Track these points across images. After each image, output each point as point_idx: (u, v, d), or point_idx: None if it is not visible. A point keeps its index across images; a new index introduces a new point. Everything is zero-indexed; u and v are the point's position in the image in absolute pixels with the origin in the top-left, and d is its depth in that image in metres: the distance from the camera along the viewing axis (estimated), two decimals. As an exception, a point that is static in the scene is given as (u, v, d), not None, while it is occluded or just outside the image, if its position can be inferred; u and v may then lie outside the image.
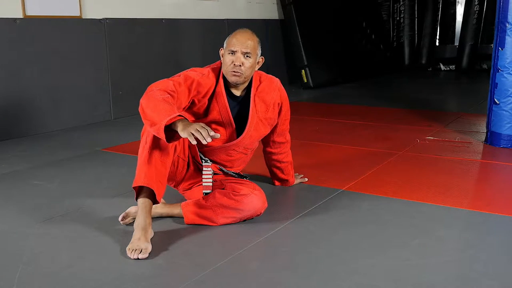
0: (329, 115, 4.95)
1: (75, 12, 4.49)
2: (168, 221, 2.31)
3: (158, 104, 1.97)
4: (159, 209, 2.33)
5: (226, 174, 2.45)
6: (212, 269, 1.86)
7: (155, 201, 2.11)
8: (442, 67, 9.00)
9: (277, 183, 2.81)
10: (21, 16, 4.09)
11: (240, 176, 2.45)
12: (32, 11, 4.16)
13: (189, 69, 2.27)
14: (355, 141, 3.86)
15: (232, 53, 2.23)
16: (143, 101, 2.02)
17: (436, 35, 9.19)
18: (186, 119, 1.96)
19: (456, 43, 9.00)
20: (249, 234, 2.17)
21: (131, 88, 4.95)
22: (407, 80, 7.98)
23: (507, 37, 3.49)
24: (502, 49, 3.52)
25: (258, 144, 2.54)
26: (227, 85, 2.30)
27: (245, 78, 2.26)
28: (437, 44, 9.23)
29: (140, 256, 1.94)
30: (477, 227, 2.28)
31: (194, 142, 1.84)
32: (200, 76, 2.24)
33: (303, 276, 1.82)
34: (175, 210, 2.32)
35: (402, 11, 8.96)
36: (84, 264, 1.91)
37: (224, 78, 2.29)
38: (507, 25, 3.47)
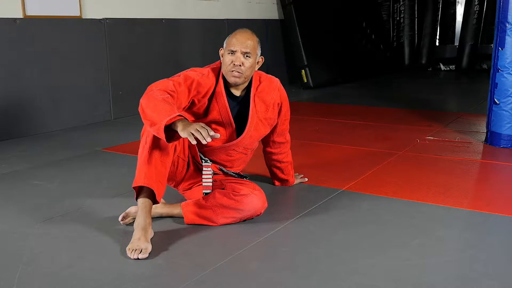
0: (329, 115, 4.95)
1: (75, 12, 4.49)
2: (168, 221, 2.31)
3: (158, 104, 1.97)
4: (159, 209, 2.33)
5: (226, 174, 2.45)
6: (212, 269, 1.86)
7: (155, 201, 2.11)
8: (442, 67, 9.00)
9: (277, 183, 2.81)
10: (21, 16, 4.09)
11: (240, 176, 2.45)
12: (32, 11, 4.16)
13: (189, 69, 2.27)
14: (355, 141, 3.86)
15: (232, 53, 2.23)
16: (143, 101, 2.02)
17: (436, 35, 9.19)
18: (186, 119, 1.96)
19: (456, 43, 9.00)
20: (249, 234, 2.17)
21: (131, 88, 4.95)
22: (407, 80, 7.98)
23: (507, 37, 3.49)
24: (502, 49, 3.52)
25: (258, 144, 2.54)
26: (227, 85, 2.30)
27: (245, 78, 2.26)
28: (437, 44, 9.23)
29: (140, 256, 1.94)
30: (477, 227, 2.28)
31: (194, 142, 1.84)
32: (200, 76, 2.24)
33: (303, 276, 1.82)
34: (175, 210, 2.32)
35: (402, 11, 8.96)
36: (84, 264, 1.91)
37: (224, 78, 2.29)
38: (507, 25, 3.47)
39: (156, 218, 2.31)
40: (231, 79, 2.25)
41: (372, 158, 3.36)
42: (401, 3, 8.93)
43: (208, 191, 2.30)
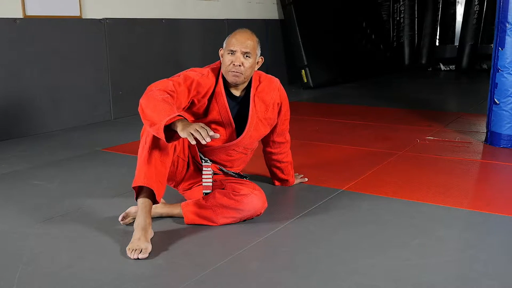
0: (329, 115, 4.95)
1: (75, 12, 4.49)
2: (168, 221, 2.31)
3: (157, 104, 1.97)
4: (159, 209, 2.33)
5: (226, 174, 2.45)
6: (212, 269, 1.86)
7: (155, 201, 2.11)
8: (442, 67, 9.00)
9: (277, 183, 2.81)
10: (21, 16, 4.09)
11: (240, 176, 2.45)
12: (32, 11, 4.16)
13: (189, 69, 2.27)
14: (355, 141, 3.86)
15: (231, 53, 2.23)
16: (142, 101, 2.02)
17: (436, 35, 9.19)
18: (186, 119, 1.96)
19: (456, 43, 9.00)
20: (249, 234, 2.17)
21: (131, 88, 4.95)
22: (407, 80, 7.98)
23: (507, 37, 3.49)
24: (502, 49, 3.52)
25: (258, 144, 2.54)
26: (227, 85, 2.30)
27: (244, 78, 2.26)
28: (437, 44, 9.23)
29: (140, 256, 1.94)
30: (477, 227, 2.28)
31: (193, 142, 1.84)
32: (200, 76, 2.24)
33: (303, 276, 1.82)
34: (175, 210, 2.32)
35: (402, 11, 8.96)
36: (84, 264, 1.91)
37: (223, 78, 2.29)
38: (507, 25, 3.47)
39: (156, 218, 2.31)
40: (231, 79, 2.25)
41: (372, 158, 3.36)
42: (401, 3, 8.93)
43: (208, 191, 2.30)
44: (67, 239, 2.15)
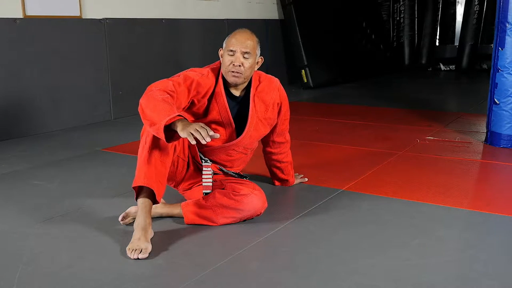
0: (329, 115, 4.95)
1: (75, 12, 4.49)
2: (168, 221, 2.31)
3: (157, 104, 1.97)
4: (159, 209, 2.33)
5: (226, 174, 2.45)
6: (212, 269, 1.86)
7: (155, 201, 2.11)
8: (442, 67, 9.00)
9: (277, 183, 2.81)
10: (21, 16, 4.09)
11: (240, 176, 2.45)
12: (32, 11, 4.16)
13: (189, 69, 2.27)
14: (355, 141, 3.86)
15: (231, 53, 2.23)
16: (142, 101, 2.02)
17: (436, 35, 9.19)
18: (186, 119, 1.96)
19: (456, 43, 9.00)
20: (249, 234, 2.17)
21: (131, 88, 4.95)
22: (407, 80, 7.98)
23: (507, 37, 3.49)
24: (502, 49, 3.52)
25: (258, 144, 2.54)
26: (227, 85, 2.30)
27: (244, 78, 2.26)
28: (437, 44, 9.23)
29: (140, 256, 1.94)
30: (477, 227, 2.28)
31: (193, 142, 1.84)
32: (200, 76, 2.24)
33: (303, 276, 1.82)
34: (175, 210, 2.32)
35: (402, 11, 8.96)
36: (84, 264, 1.91)
37: (223, 78, 2.29)
38: (507, 25, 3.47)
39: (156, 218, 2.31)
40: (230, 79, 2.25)
41: (372, 158, 3.36)
42: (401, 3, 8.93)
43: (208, 191, 2.30)
44: (67, 239, 2.15)
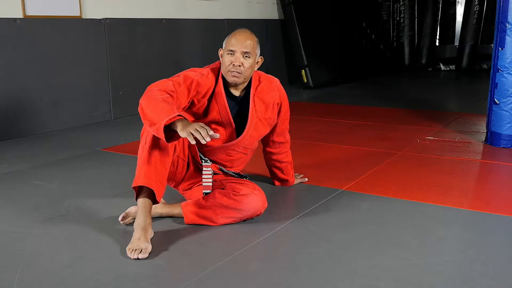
0: (329, 115, 4.95)
1: (75, 12, 4.49)
2: (168, 221, 2.31)
3: (157, 104, 1.97)
4: (159, 209, 2.33)
5: (226, 174, 2.45)
6: (212, 269, 1.86)
7: (155, 201, 2.11)
8: (442, 67, 9.00)
9: (277, 183, 2.81)
10: (21, 16, 4.09)
11: (240, 176, 2.45)
12: (32, 11, 4.16)
13: (189, 69, 2.27)
14: (355, 141, 3.86)
15: (231, 53, 2.23)
16: (142, 101, 2.02)
17: (436, 35, 9.19)
18: (186, 119, 1.96)
19: (456, 43, 9.00)
20: (249, 234, 2.17)
21: (131, 88, 4.95)
22: (407, 80, 7.98)
23: (507, 37, 3.49)
24: (502, 49, 3.52)
25: (258, 144, 2.54)
26: (227, 85, 2.30)
27: (244, 78, 2.26)
28: (437, 44, 9.23)
29: (140, 256, 1.94)
30: (477, 227, 2.28)
31: (193, 142, 1.84)
32: (200, 76, 2.24)
33: (303, 276, 1.82)
34: (175, 210, 2.32)
35: (402, 11, 8.96)
36: (84, 264, 1.91)
37: (223, 78, 2.29)
38: (507, 25, 3.47)
39: (156, 218, 2.31)
40: (230, 79, 2.25)
41: (372, 158, 3.36)
42: (401, 3, 8.93)
43: (208, 191, 2.30)
44: (67, 239, 2.15)
